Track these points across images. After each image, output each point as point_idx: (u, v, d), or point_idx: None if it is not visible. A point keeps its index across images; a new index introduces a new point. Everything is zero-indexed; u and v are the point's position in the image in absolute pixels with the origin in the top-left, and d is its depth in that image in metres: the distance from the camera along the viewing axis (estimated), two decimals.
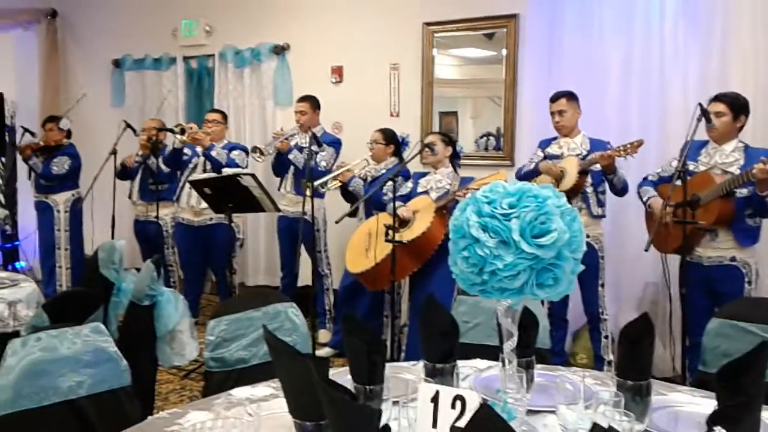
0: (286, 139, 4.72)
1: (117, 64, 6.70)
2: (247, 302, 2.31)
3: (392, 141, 4.46)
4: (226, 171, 3.92)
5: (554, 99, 3.82)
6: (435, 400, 1.01)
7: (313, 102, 4.87)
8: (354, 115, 5.39)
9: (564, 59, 4.37)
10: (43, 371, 1.77)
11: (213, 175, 3.95)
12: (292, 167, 4.73)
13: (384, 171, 4.43)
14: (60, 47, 7.06)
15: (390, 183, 3.47)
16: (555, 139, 3.91)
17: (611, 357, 3.72)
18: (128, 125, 5.30)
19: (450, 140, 3.88)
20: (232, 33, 5.99)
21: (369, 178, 4.50)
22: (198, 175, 4.02)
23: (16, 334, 2.85)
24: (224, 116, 5.11)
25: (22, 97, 7.18)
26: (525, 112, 4.66)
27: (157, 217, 5.38)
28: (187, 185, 4.61)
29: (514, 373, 1.28)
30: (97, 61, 6.84)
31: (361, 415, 0.95)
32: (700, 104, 3.20)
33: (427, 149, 3.77)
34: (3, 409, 1.70)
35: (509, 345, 1.24)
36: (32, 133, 5.54)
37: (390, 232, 3.54)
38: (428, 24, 5.01)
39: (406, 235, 3.63)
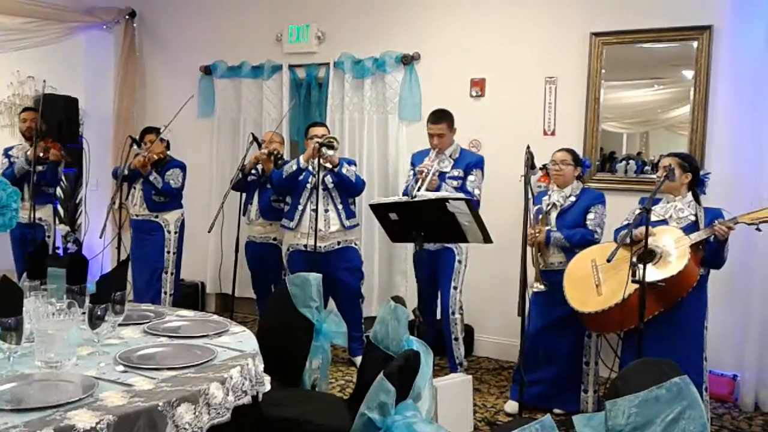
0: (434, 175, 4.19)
1: (207, 71, 6.12)
2: (645, 376, 1.79)
3: (579, 162, 3.95)
4: (427, 194, 3.38)
5: None
6: None
7: (450, 121, 4.36)
8: (497, 133, 4.90)
9: None
10: None
11: (404, 198, 3.41)
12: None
13: (573, 198, 3.89)
14: (137, 51, 6.46)
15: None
16: None
17: None
18: (255, 138, 4.75)
19: (690, 165, 3.38)
20: (350, 40, 5.46)
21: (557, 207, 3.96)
22: (382, 198, 3.47)
23: (254, 400, 2.27)
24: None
25: (93, 104, 6.59)
26: (716, 135, 4.22)
27: (275, 239, 4.87)
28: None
29: None
30: (182, 68, 6.26)
31: None
32: None
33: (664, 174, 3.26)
34: None
35: None
36: (138, 144, 4.94)
37: (636, 269, 3.04)
38: (597, 34, 4.54)
39: (656, 273, 3.12)
